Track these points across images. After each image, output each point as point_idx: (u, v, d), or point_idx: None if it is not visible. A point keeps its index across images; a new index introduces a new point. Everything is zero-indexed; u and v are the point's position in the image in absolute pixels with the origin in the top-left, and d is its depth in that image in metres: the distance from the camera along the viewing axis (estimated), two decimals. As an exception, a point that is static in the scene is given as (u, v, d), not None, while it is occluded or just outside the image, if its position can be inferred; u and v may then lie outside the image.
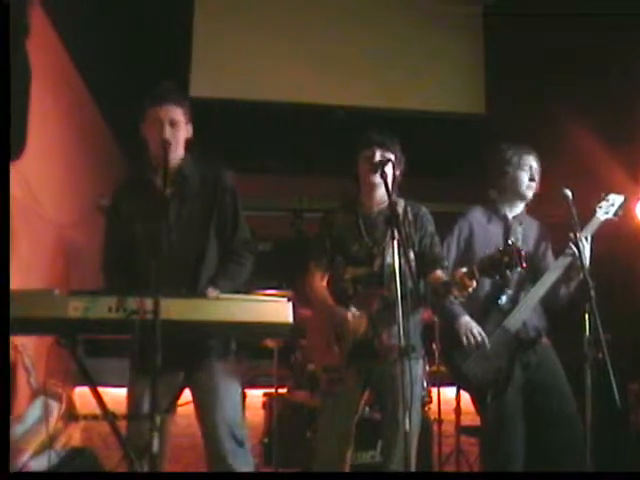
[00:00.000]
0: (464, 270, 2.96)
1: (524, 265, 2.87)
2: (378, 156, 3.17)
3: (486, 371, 3.34)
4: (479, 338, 3.34)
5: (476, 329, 3.35)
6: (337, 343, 3.20)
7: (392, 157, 3.18)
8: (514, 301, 3.42)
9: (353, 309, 3.19)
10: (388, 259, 3.13)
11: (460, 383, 3.71)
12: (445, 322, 3.51)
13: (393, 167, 3.16)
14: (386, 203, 3.08)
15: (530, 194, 3.52)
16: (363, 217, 3.29)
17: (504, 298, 3.42)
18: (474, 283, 2.95)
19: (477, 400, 3.46)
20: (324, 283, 3.36)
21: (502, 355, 3.35)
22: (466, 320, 3.37)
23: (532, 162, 3.51)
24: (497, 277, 2.97)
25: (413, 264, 3.12)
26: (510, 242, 3.03)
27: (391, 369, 3.06)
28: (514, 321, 3.38)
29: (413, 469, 3.01)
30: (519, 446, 3.32)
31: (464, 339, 3.35)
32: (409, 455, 2.82)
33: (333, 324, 3.21)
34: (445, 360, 3.81)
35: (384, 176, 3.07)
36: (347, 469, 3.27)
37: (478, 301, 3.42)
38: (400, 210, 3.21)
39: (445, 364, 3.86)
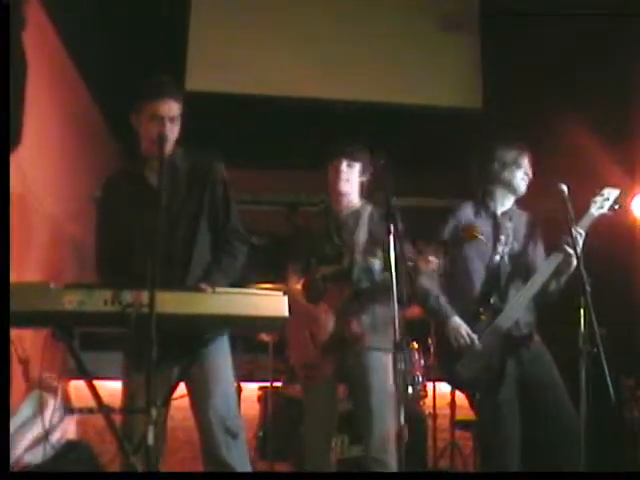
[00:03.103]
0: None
1: None
2: (344, 166, 3.37)
3: (477, 371, 3.34)
4: (468, 339, 3.34)
5: (465, 330, 3.34)
6: (312, 340, 3.37)
7: (358, 165, 3.40)
8: (505, 299, 3.41)
9: (324, 306, 3.36)
10: (356, 256, 3.35)
11: (453, 384, 3.71)
12: (437, 323, 3.52)
13: (360, 174, 3.41)
14: (354, 207, 3.43)
15: (524, 188, 3.51)
16: (334, 221, 3.48)
17: (495, 297, 3.42)
18: (435, 260, 3.18)
19: (471, 399, 3.46)
20: (299, 285, 3.54)
21: (494, 354, 3.34)
22: (455, 321, 3.36)
23: (525, 159, 3.48)
24: None
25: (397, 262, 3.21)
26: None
27: (360, 360, 3.30)
28: (506, 319, 3.37)
29: (394, 458, 3.16)
30: (515, 443, 3.32)
31: (453, 341, 3.35)
32: (401, 451, 2.85)
33: (307, 323, 3.38)
34: (438, 361, 3.83)
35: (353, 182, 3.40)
36: (334, 459, 3.53)
37: (469, 301, 3.43)
38: (367, 213, 3.44)
39: (439, 365, 3.90)
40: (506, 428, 3.31)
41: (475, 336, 3.33)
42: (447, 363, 3.45)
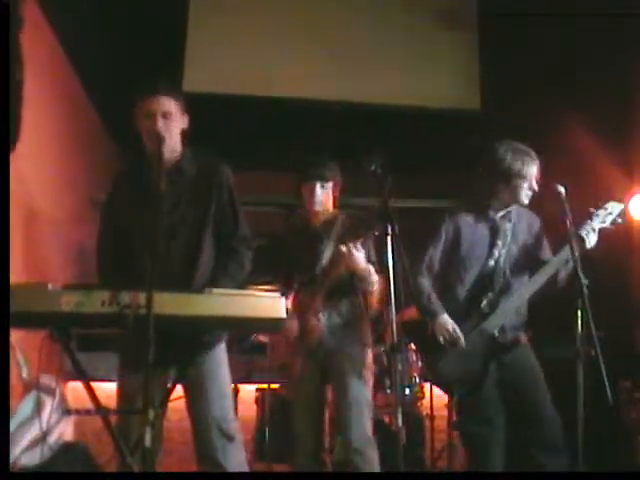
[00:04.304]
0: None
1: None
2: (317, 188, 3.61)
3: (459, 372, 3.34)
4: (454, 336, 3.34)
5: (452, 327, 3.35)
6: (285, 342, 3.61)
7: (331, 184, 3.65)
8: (496, 304, 3.40)
9: (295, 309, 3.57)
10: (323, 261, 3.58)
11: (434, 382, 3.72)
12: (424, 320, 3.52)
13: (333, 191, 3.68)
14: (327, 218, 3.68)
15: (527, 201, 3.46)
16: (309, 232, 3.71)
17: (486, 301, 3.41)
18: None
19: (451, 399, 3.49)
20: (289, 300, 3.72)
21: (478, 357, 3.35)
22: (443, 318, 3.37)
23: (534, 168, 3.41)
24: None
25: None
26: None
27: (335, 359, 3.49)
28: (492, 324, 3.38)
29: (376, 452, 3.40)
30: (499, 446, 3.32)
31: (439, 337, 3.35)
32: (400, 451, 2.86)
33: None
34: (422, 358, 3.84)
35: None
36: (328, 461, 3.58)
37: (460, 302, 3.43)
38: (338, 221, 3.67)
39: (422, 362, 3.92)
40: (487, 430, 3.32)
41: (462, 335, 3.34)
42: (432, 362, 3.46)
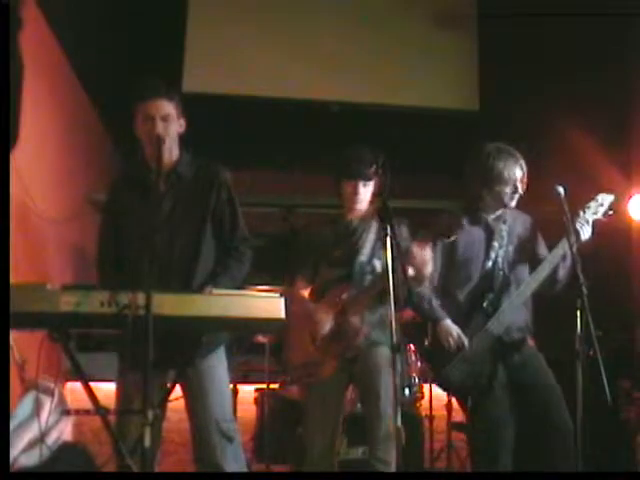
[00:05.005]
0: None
1: None
2: (360, 187, 3.50)
3: (468, 375, 3.33)
4: (459, 341, 3.33)
5: (456, 332, 3.34)
6: (311, 339, 3.44)
7: (372, 182, 3.50)
8: (498, 305, 3.39)
9: (324, 306, 3.45)
10: (361, 258, 3.48)
11: (442, 387, 3.70)
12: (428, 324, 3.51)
13: (373, 188, 3.52)
14: (365, 213, 3.56)
15: (513, 204, 3.45)
16: (344, 228, 3.59)
17: (488, 302, 3.41)
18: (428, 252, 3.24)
19: (461, 403, 3.46)
20: (306, 291, 3.61)
21: (485, 359, 3.34)
22: (446, 323, 3.36)
23: (518, 171, 3.39)
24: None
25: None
26: None
27: (369, 358, 3.37)
28: (498, 324, 3.36)
29: (394, 459, 3.20)
30: (508, 447, 3.31)
31: (444, 342, 3.35)
32: (399, 450, 2.85)
33: (308, 323, 3.43)
34: (428, 362, 3.82)
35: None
36: (336, 463, 3.44)
37: (461, 305, 3.43)
38: (376, 218, 3.45)
39: (431, 369, 3.90)
40: (498, 433, 3.30)
41: (466, 339, 3.34)
42: (439, 367, 3.45)
